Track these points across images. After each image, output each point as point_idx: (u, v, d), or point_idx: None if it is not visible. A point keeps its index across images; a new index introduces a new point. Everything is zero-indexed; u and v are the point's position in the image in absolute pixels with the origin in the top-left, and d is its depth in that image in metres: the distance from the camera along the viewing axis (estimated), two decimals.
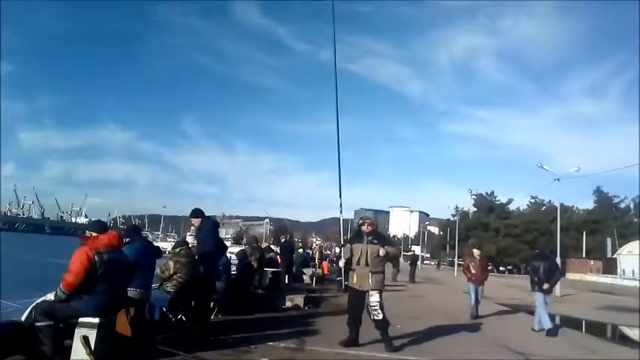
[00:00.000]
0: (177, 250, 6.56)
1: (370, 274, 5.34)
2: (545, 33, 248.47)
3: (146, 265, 5.21)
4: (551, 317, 8.45)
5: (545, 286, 8.22)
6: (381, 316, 5.35)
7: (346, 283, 5.88)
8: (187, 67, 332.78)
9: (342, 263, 5.88)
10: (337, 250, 8.13)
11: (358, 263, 5.40)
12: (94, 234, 4.08)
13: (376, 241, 5.43)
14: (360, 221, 5.75)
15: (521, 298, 16.08)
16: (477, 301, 9.74)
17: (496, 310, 12.17)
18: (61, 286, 3.76)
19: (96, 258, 3.80)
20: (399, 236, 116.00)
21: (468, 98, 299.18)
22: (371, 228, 5.58)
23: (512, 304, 14.54)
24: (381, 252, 5.33)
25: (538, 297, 8.28)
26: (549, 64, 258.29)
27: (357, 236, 5.64)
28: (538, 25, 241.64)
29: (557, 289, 19.98)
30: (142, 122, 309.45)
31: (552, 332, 7.64)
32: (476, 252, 10.19)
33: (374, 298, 5.36)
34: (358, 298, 5.42)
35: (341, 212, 5.81)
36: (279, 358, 4.87)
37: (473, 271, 9.78)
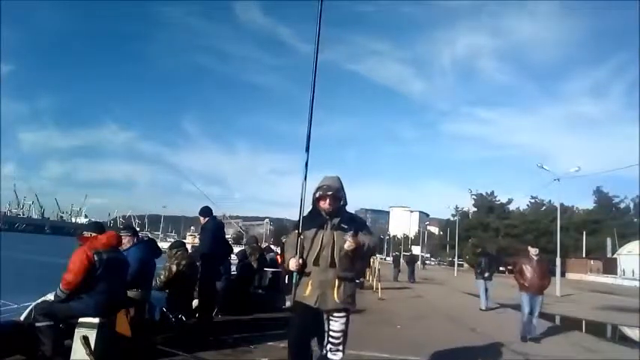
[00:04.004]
0: (175, 251, 6.56)
1: (337, 283, 3.11)
2: (547, 33, 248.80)
3: (147, 266, 5.23)
4: (488, 299, 11.83)
5: (486, 274, 11.91)
6: (340, 356, 3.16)
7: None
8: (187, 67, 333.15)
9: (294, 264, 3.12)
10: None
11: (316, 263, 3.13)
12: (93, 234, 4.09)
13: (346, 227, 3.12)
14: (318, 193, 3.23)
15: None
16: (532, 316, 7.30)
17: (496, 310, 12.16)
18: (60, 285, 3.77)
19: (95, 258, 3.81)
20: (399, 236, 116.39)
21: (468, 98, 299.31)
22: (335, 205, 3.22)
23: (512, 304, 14.53)
24: (348, 243, 3.01)
25: (480, 283, 11.88)
26: (550, 64, 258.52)
27: (314, 218, 3.25)
28: (539, 26, 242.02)
29: (557, 289, 20.04)
30: (142, 122, 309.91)
31: (484, 309, 11.06)
32: (533, 251, 7.62)
33: (339, 323, 3.14)
34: (310, 323, 3.15)
35: (305, 177, 3.20)
36: (279, 358, 4.86)
37: (528, 277, 7.30)
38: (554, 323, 11.73)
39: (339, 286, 3.12)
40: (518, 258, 7.94)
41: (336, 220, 3.21)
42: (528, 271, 7.36)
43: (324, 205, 3.21)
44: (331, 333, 3.15)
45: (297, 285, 3.16)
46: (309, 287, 3.13)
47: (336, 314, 3.14)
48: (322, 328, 3.17)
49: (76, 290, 3.79)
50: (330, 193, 3.20)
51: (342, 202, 3.28)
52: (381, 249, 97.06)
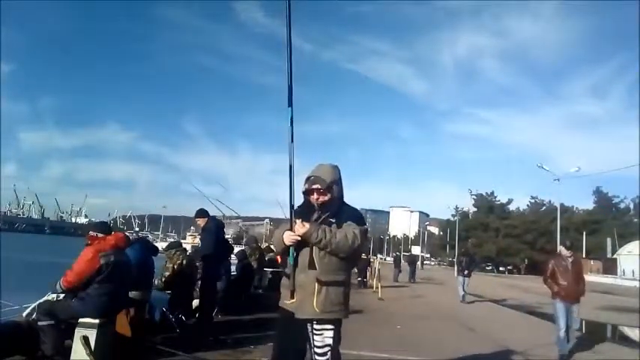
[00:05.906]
0: (173, 252, 6.56)
1: (317, 287, 2.57)
2: (547, 33, 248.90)
3: (144, 266, 5.22)
4: (466, 293, 13.56)
5: (465, 272, 13.74)
6: None
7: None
8: (188, 67, 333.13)
9: (288, 236, 2.62)
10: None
11: (296, 263, 2.68)
12: (100, 234, 4.08)
13: (334, 220, 2.67)
14: (306, 185, 2.78)
15: (522, 299, 16.08)
16: (568, 329, 6.05)
17: (496, 310, 12.17)
18: (61, 281, 3.78)
19: (102, 260, 3.82)
20: (399, 236, 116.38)
21: (469, 98, 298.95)
22: (324, 198, 2.73)
23: (512, 304, 14.55)
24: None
25: (459, 279, 13.88)
26: (551, 64, 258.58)
27: (304, 212, 2.76)
28: (540, 26, 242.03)
29: None
30: (143, 122, 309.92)
31: (463, 300, 13.21)
32: (565, 251, 6.31)
33: (321, 337, 2.62)
34: (293, 334, 2.67)
35: (292, 139, 2.67)
36: None
37: (562, 282, 6.04)
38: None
39: (319, 292, 2.57)
40: (549, 259, 6.72)
41: (323, 213, 2.72)
42: (562, 274, 6.09)
43: (312, 198, 2.76)
44: (315, 349, 2.62)
45: (295, 267, 2.64)
46: (289, 291, 2.66)
47: (317, 326, 2.61)
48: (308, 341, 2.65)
49: (79, 290, 3.80)
50: (314, 186, 2.72)
51: (333, 195, 2.75)
52: (381, 249, 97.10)
